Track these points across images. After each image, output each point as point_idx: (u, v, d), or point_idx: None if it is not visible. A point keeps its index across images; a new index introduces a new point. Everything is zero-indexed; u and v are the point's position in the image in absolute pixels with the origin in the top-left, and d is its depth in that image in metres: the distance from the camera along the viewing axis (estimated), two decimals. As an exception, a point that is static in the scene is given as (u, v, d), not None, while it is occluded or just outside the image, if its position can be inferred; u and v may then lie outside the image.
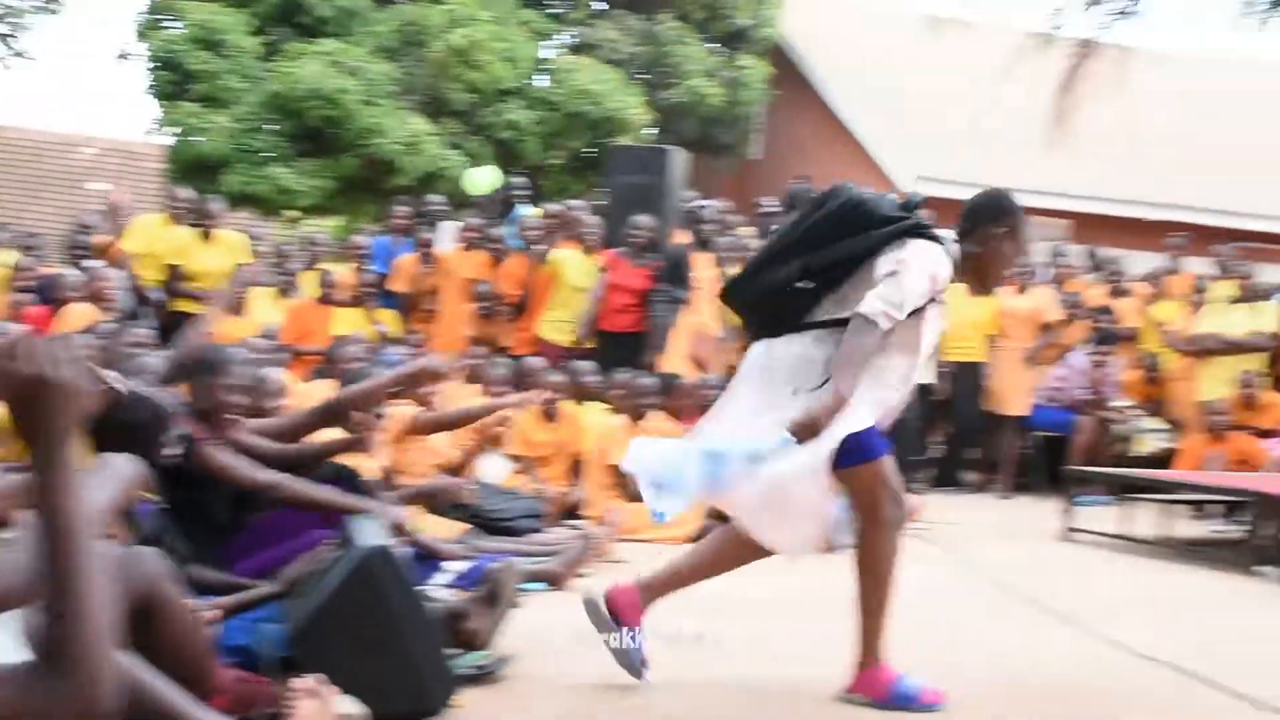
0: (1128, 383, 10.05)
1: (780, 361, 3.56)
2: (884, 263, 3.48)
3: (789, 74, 16.80)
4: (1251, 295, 9.59)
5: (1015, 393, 9.75)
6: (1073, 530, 7.41)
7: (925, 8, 13.39)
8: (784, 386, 3.51)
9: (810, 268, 3.54)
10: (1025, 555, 6.74)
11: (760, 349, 3.66)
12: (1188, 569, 6.56)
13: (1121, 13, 12.30)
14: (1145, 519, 7.64)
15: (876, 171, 15.33)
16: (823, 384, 3.41)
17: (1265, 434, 9.04)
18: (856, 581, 3.61)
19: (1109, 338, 9.86)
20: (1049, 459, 9.80)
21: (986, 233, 3.73)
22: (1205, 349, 9.57)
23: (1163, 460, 9.51)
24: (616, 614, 3.70)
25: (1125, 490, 8.27)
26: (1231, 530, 7.68)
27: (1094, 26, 12.56)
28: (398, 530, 4.03)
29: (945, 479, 9.95)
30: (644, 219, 8.83)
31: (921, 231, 3.59)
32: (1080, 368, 9.68)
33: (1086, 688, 3.93)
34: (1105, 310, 10.11)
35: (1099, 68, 12.69)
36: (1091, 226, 14.60)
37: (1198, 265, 10.77)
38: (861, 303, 3.40)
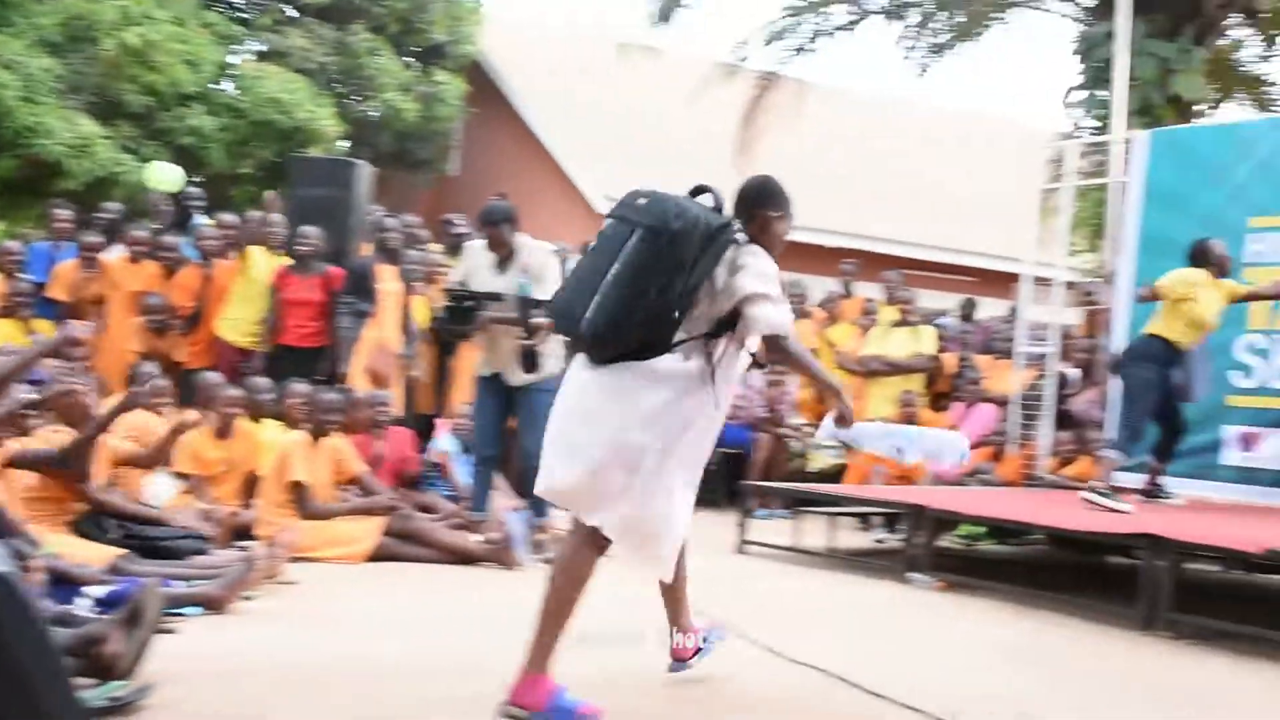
0: (803, 402, 10.51)
1: (664, 381, 3.56)
2: (739, 278, 3.61)
3: (487, 91, 16.81)
4: (913, 319, 10.23)
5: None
6: (748, 543, 7.65)
7: (618, 32, 13.63)
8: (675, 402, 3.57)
9: (681, 295, 3.51)
10: (701, 568, 6.88)
11: (604, 377, 3.59)
12: (850, 578, 6.89)
13: (799, 49, 12.92)
14: (816, 531, 7.99)
15: (572, 190, 15.53)
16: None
17: (925, 450, 9.65)
18: (547, 592, 3.63)
19: (786, 358, 10.27)
20: (729, 475, 10.12)
21: (764, 216, 3.89)
22: (872, 370, 10.14)
23: (835, 475, 10.00)
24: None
25: (799, 504, 8.64)
26: (891, 540, 8.13)
27: (774, 61, 13.15)
28: (24, 556, 3.70)
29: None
30: (311, 229, 8.57)
31: (734, 236, 3.69)
32: (758, 387, 10.05)
33: (739, 693, 4.03)
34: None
35: (780, 100, 13.30)
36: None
37: (867, 290, 11.42)
38: (757, 325, 3.60)
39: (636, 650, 4.51)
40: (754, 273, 3.61)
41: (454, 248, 10.38)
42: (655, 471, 3.56)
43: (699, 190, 3.79)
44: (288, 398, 7.28)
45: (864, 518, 9.31)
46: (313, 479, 6.57)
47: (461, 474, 7.50)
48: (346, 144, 14.69)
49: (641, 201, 3.64)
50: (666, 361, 3.56)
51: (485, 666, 3.94)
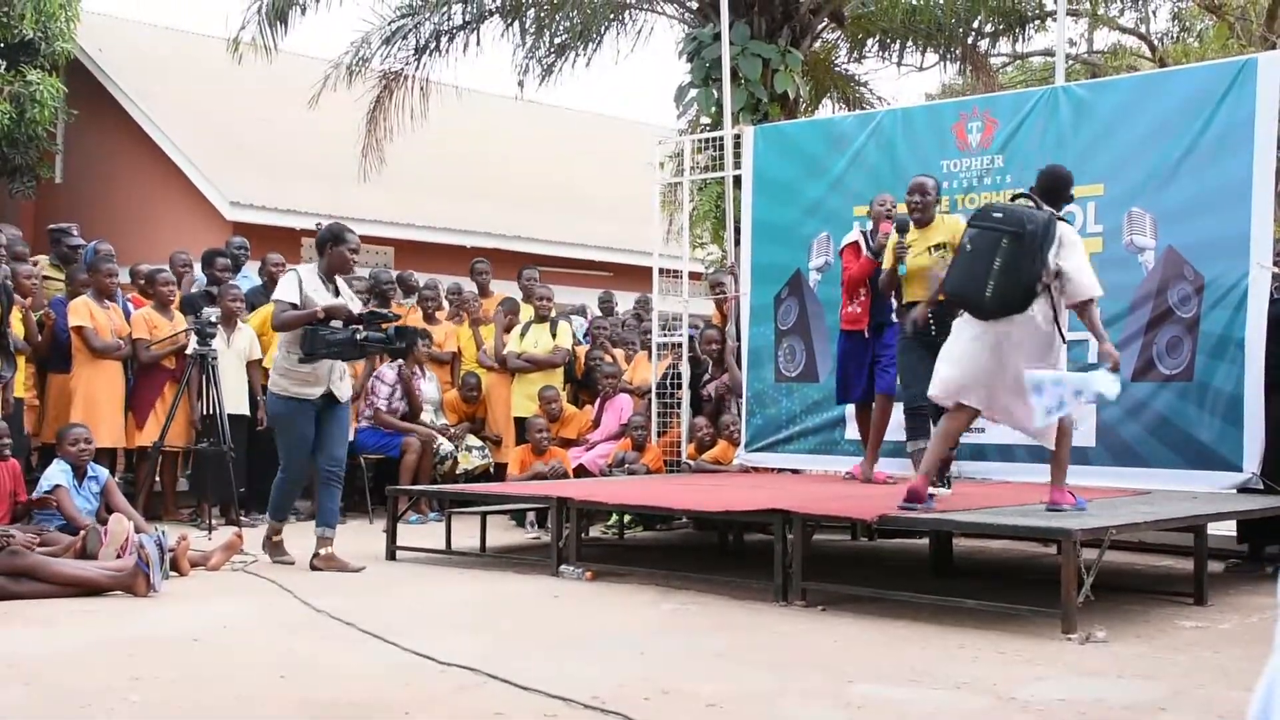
0: (449, 402, 10.45)
1: (1019, 330, 5.74)
2: (1062, 255, 5.69)
3: (91, 92, 15.70)
4: (550, 316, 10.36)
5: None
6: (399, 548, 7.53)
7: (230, 30, 13.02)
8: (1030, 345, 5.77)
9: (1038, 272, 5.64)
10: (350, 577, 6.72)
11: (997, 326, 5.76)
12: (502, 576, 6.91)
13: (421, 49, 12.79)
14: (470, 531, 7.97)
15: (195, 195, 14.77)
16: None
17: (571, 443, 9.82)
18: (1056, 449, 5.97)
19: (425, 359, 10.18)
20: (377, 480, 9.94)
21: (1067, 198, 6.14)
22: (515, 367, 10.20)
23: (489, 475, 10.00)
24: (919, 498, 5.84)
25: (452, 505, 8.59)
26: (546, 536, 8.21)
27: (398, 61, 12.98)
28: None
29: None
30: None
31: (1055, 222, 5.76)
32: (399, 391, 9.88)
33: (385, 699, 3.94)
34: (424, 334, 10.44)
35: (405, 100, 13.14)
36: (409, 252, 15.10)
37: (505, 288, 11.49)
38: (1088, 288, 5.74)
39: (284, 662, 4.33)
40: (1079, 263, 5.72)
41: (66, 259, 9.65)
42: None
43: (1017, 195, 6.05)
44: None
45: (517, 514, 9.37)
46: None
47: (76, 503, 6.95)
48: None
49: (998, 215, 5.75)
50: (1030, 310, 5.69)
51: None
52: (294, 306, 6.82)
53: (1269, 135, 7.15)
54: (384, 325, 6.93)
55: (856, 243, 7.73)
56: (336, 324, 6.82)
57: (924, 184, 7.03)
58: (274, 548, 7.16)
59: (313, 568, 6.90)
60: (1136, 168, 7.56)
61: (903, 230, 7.07)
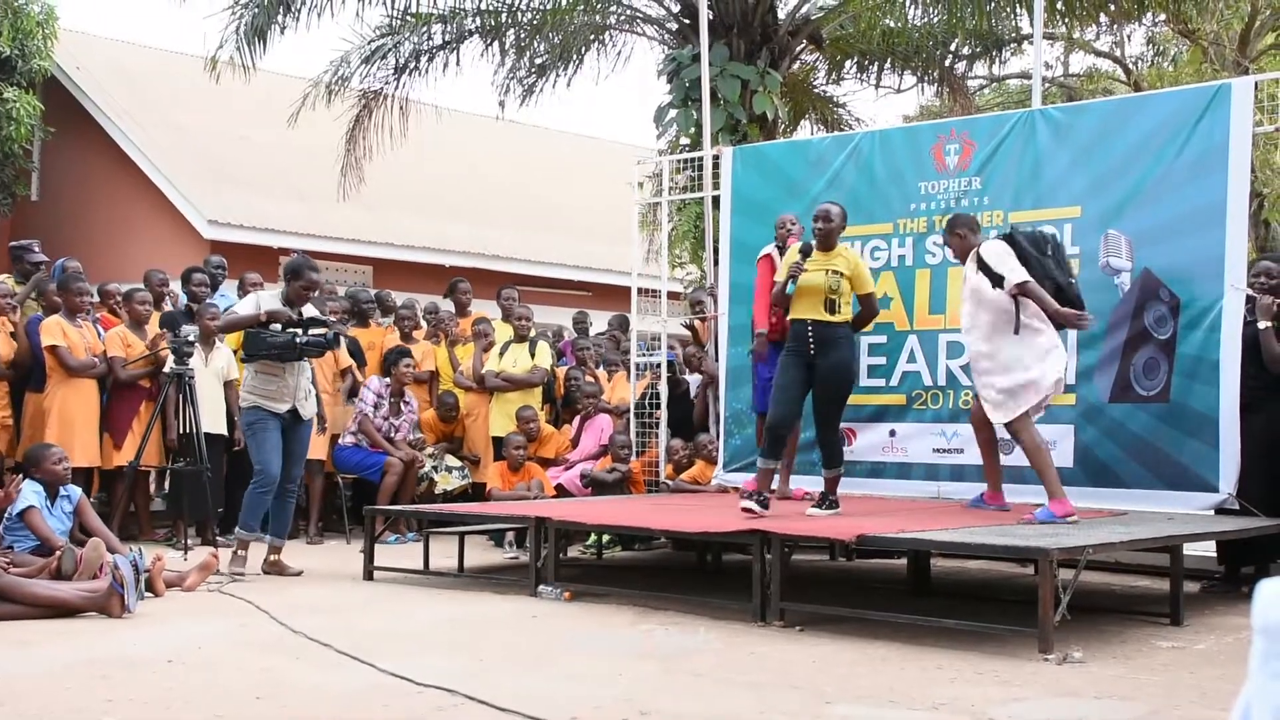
0: (426, 422, 10.42)
1: None
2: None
3: (68, 110, 15.65)
4: (529, 335, 10.35)
5: (317, 436, 9.71)
6: (377, 569, 7.50)
7: (208, 48, 12.99)
8: None
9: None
10: (328, 598, 6.70)
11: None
12: (480, 596, 6.88)
13: (401, 68, 12.79)
14: (448, 552, 7.93)
15: (173, 213, 14.73)
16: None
17: (550, 463, 9.80)
18: (1032, 463, 6.67)
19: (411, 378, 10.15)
20: (356, 500, 9.89)
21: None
22: (493, 387, 10.18)
23: (467, 495, 9.97)
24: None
25: (430, 525, 8.55)
26: (524, 556, 8.18)
27: (378, 80, 12.98)
28: None
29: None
30: None
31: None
32: (381, 410, 9.86)
33: (362, 719, 3.93)
34: (404, 352, 10.41)
35: (384, 119, 13.14)
36: (388, 271, 15.08)
37: (484, 307, 11.48)
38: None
39: (261, 683, 4.30)
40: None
41: (28, 276, 9.56)
42: None
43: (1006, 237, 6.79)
44: None
45: (495, 534, 9.34)
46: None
47: (49, 523, 6.88)
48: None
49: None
50: None
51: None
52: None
53: (1243, 158, 7.23)
54: (323, 331, 7.45)
55: (770, 255, 7.90)
56: (276, 328, 7.30)
57: (829, 211, 7.05)
58: (239, 560, 7.44)
59: (263, 570, 7.48)
60: (1113, 190, 7.62)
61: (805, 253, 7.05)
